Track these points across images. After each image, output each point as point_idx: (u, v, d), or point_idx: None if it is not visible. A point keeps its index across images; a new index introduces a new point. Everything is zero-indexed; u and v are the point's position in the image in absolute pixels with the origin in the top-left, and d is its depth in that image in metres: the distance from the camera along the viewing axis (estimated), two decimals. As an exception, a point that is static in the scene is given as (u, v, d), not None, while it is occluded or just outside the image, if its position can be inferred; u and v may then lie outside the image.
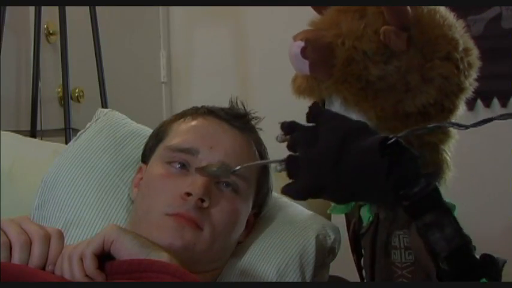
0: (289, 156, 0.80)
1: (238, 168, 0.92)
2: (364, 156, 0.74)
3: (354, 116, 1.07)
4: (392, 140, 0.74)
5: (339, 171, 0.75)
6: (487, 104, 2.30)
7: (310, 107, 0.82)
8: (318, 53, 1.03)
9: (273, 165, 0.84)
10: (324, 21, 1.07)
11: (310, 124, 0.81)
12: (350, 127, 0.78)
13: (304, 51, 1.03)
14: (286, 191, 0.82)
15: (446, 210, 0.75)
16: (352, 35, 1.02)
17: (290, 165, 0.80)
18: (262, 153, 1.14)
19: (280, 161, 0.81)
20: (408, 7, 1.02)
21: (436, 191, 0.76)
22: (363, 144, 0.74)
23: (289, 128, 0.82)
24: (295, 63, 1.05)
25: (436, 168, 0.78)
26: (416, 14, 1.04)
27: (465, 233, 0.75)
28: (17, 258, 0.86)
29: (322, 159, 0.76)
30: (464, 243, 0.74)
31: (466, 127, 0.75)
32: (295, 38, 1.06)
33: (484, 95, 2.26)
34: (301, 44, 1.03)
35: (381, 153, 0.72)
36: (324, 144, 0.77)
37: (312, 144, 0.78)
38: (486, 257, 0.77)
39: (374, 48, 1.01)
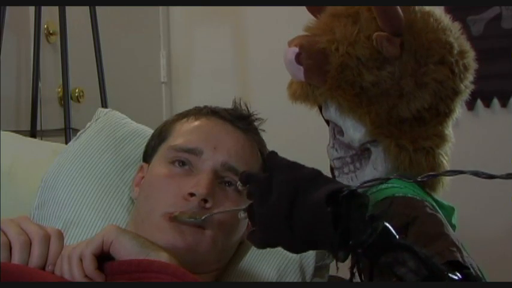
0: (249, 206, 0.81)
1: (208, 215, 0.95)
2: (311, 209, 0.74)
3: (349, 122, 1.06)
4: (345, 192, 0.73)
5: (291, 225, 0.76)
6: (487, 104, 2.29)
7: (266, 156, 0.83)
8: (312, 59, 1.03)
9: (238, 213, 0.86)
10: (318, 27, 1.07)
11: (266, 174, 0.81)
12: (302, 179, 0.77)
13: (298, 58, 1.03)
14: (249, 239, 0.83)
15: (402, 247, 0.74)
16: (346, 41, 1.02)
17: (250, 215, 0.81)
18: (264, 155, 1.14)
19: (242, 209, 0.83)
20: (401, 12, 1.02)
21: (386, 234, 0.74)
22: (312, 197, 0.75)
23: (245, 180, 0.83)
24: (290, 70, 1.05)
25: (383, 209, 0.78)
26: (409, 19, 1.03)
27: (433, 262, 0.73)
28: (16, 258, 0.86)
29: (274, 214, 0.77)
30: (432, 274, 0.73)
31: (414, 180, 0.75)
32: (289, 44, 1.06)
33: (484, 95, 2.26)
34: (296, 50, 1.02)
35: (327, 205, 0.72)
36: (276, 199, 0.77)
37: (265, 198, 0.78)
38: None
39: (367, 54, 1.01)
